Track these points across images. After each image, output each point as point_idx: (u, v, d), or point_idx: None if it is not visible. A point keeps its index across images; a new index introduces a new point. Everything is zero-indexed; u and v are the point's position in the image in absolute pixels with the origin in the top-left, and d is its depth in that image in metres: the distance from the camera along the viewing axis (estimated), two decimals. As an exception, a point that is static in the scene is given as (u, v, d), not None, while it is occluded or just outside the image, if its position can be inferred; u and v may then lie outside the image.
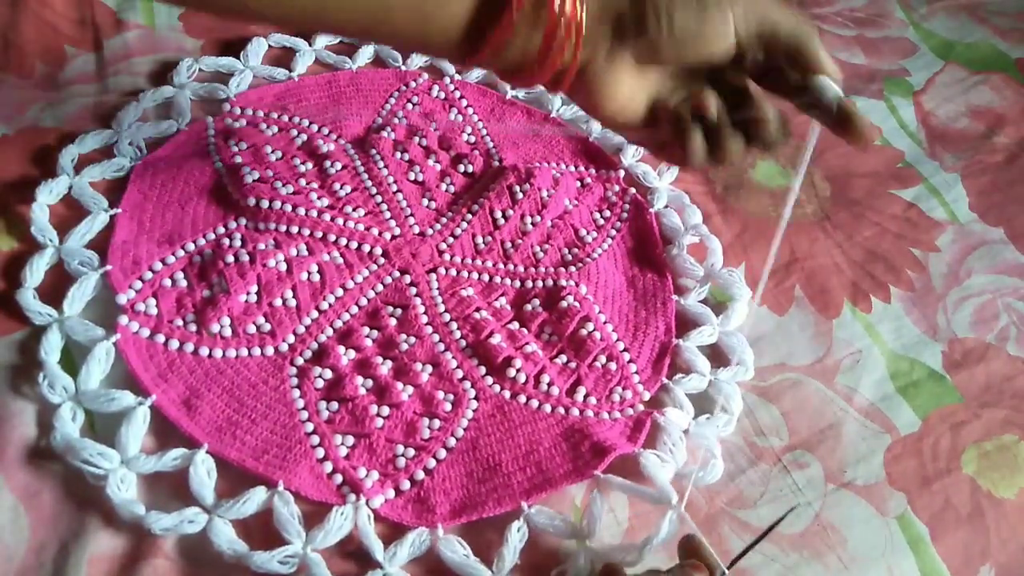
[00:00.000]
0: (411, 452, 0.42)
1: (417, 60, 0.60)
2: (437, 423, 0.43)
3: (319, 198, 0.50)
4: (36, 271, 0.45)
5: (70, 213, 0.48)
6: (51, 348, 0.42)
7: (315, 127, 0.54)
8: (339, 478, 0.40)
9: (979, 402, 0.49)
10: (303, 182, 0.50)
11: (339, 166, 0.52)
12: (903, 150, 0.60)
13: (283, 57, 0.59)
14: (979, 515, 0.44)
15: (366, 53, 0.60)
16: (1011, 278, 0.54)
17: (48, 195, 0.48)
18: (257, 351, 0.44)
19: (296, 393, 0.43)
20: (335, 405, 0.43)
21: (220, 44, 0.59)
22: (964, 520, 0.44)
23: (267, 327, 0.45)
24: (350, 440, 0.42)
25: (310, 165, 0.52)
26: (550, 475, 0.41)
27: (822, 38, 0.69)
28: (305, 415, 0.42)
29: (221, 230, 0.48)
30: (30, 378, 0.42)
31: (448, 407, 0.43)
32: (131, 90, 0.55)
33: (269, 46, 0.59)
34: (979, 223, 0.57)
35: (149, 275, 0.46)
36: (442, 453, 0.42)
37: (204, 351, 0.44)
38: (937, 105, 0.63)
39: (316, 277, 0.47)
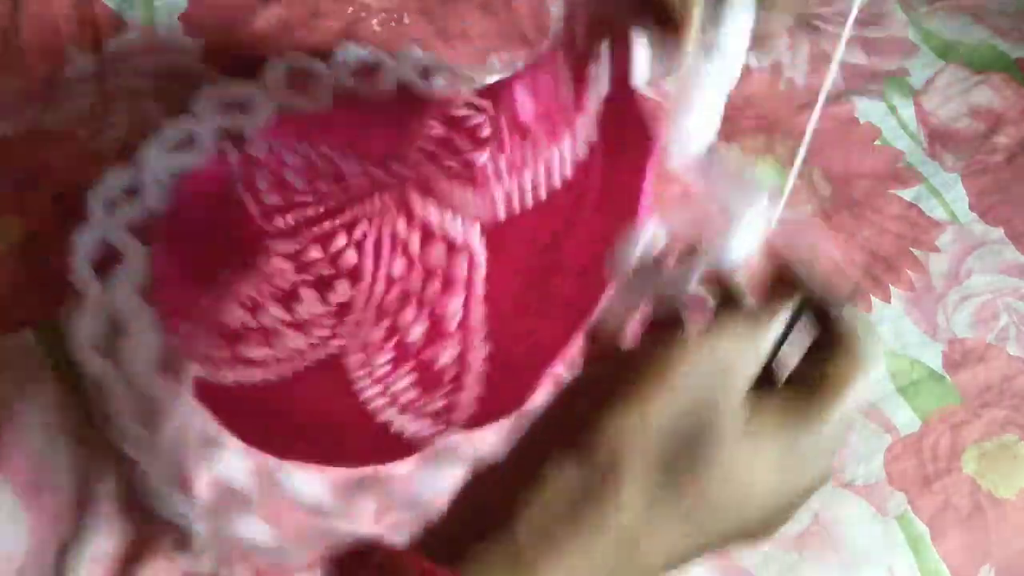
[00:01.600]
0: None
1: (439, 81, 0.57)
2: None
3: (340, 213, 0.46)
4: (87, 326, 0.43)
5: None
6: (122, 407, 0.40)
7: (341, 156, 0.50)
8: None
9: (979, 402, 0.49)
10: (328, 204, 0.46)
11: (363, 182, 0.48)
12: (903, 150, 0.60)
13: (302, 82, 0.57)
14: (979, 515, 0.44)
15: (390, 77, 0.57)
16: (1011, 278, 0.54)
17: (86, 245, 0.45)
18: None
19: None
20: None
21: (231, 61, 0.58)
22: (964, 520, 0.44)
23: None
24: None
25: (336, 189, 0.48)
26: None
27: (822, 39, 0.69)
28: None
29: (259, 261, 0.45)
30: (31, 378, 0.42)
31: None
32: (134, 90, 0.55)
33: (288, 68, 0.56)
34: (979, 223, 0.57)
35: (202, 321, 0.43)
36: None
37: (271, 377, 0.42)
38: (937, 105, 0.63)
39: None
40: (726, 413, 0.25)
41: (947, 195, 0.58)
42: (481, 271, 0.43)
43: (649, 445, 0.24)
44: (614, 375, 0.26)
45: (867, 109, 0.62)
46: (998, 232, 0.56)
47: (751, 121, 0.60)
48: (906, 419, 0.47)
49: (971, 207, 0.58)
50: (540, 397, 0.43)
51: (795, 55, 0.65)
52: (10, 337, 0.44)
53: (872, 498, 0.44)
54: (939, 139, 0.61)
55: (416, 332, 0.43)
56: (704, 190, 0.35)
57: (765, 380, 0.27)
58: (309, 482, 0.41)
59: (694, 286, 0.31)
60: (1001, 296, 0.53)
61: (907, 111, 0.62)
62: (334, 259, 0.43)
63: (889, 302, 0.52)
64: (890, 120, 0.62)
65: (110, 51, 0.57)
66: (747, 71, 0.63)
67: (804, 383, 0.27)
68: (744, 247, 0.32)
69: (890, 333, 0.51)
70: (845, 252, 0.54)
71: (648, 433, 0.24)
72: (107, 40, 0.57)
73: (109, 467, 0.41)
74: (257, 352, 0.42)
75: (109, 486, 0.40)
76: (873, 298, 0.52)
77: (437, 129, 0.45)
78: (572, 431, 0.25)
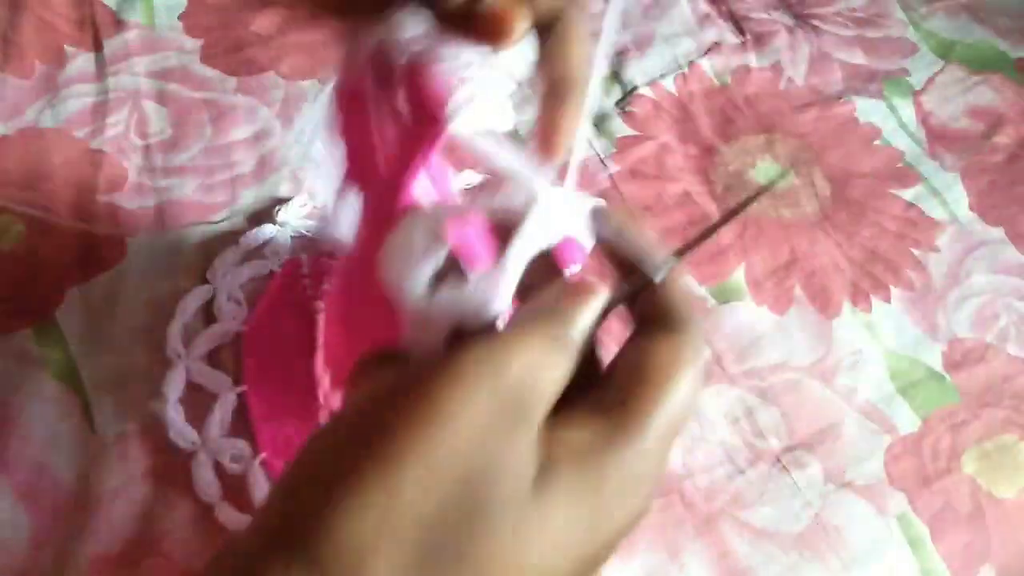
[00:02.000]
0: None
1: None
2: None
3: None
4: (201, 474, 0.41)
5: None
6: None
7: None
8: None
9: (979, 402, 0.49)
10: None
11: None
12: (903, 150, 0.60)
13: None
14: (979, 515, 0.44)
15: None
16: (1011, 278, 0.54)
17: (174, 390, 0.43)
18: None
19: None
20: None
21: (231, 61, 0.59)
22: (964, 520, 0.44)
23: None
24: None
25: None
26: None
27: (822, 39, 0.69)
28: None
29: None
30: (32, 377, 0.42)
31: None
32: (133, 90, 0.55)
33: None
34: (979, 223, 0.57)
35: None
36: None
37: None
38: (937, 105, 0.63)
39: None
40: (509, 470, 0.19)
41: (947, 195, 0.58)
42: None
43: (401, 539, 0.18)
44: (355, 433, 0.19)
45: (867, 109, 0.62)
46: (998, 232, 0.56)
47: (750, 121, 0.60)
48: (906, 419, 0.47)
49: (971, 207, 0.58)
50: None
51: (795, 55, 0.65)
52: (9, 337, 0.44)
53: (872, 498, 0.44)
54: (939, 139, 0.61)
55: None
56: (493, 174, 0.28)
57: (581, 376, 0.22)
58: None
59: (500, 304, 0.24)
60: (1001, 296, 0.53)
61: (907, 111, 0.62)
62: None
63: (889, 302, 0.52)
64: (890, 120, 0.62)
65: (110, 51, 0.57)
66: (747, 71, 0.63)
67: (615, 387, 0.22)
68: (538, 244, 0.25)
69: (890, 333, 0.51)
70: (845, 252, 0.54)
71: (399, 524, 0.18)
72: (107, 40, 0.57)
73: (109, 467, 0.41)
74: None
75: (109, 486, 0.40)
76: (873, 298, 0.52)
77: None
78: (293, 532, 0.18)
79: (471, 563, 0.18)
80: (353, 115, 0.33)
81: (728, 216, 0.26)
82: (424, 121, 0.30)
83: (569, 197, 0.27)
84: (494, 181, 0.27)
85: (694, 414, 0.21)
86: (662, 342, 0.22)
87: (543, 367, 0.21)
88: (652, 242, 0.25)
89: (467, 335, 0.23)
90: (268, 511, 0.20)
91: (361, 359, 0.23)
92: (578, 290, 0.23)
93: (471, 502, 0.18)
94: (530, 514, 0.19)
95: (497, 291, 0.24)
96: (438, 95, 0.29)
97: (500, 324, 0.24)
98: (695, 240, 0.26)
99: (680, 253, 0.25)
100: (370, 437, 0.19)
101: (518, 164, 0.28)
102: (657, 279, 0.24)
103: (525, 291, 0.24)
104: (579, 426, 0.21)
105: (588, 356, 0.23)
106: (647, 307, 0.24)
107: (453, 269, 0.25)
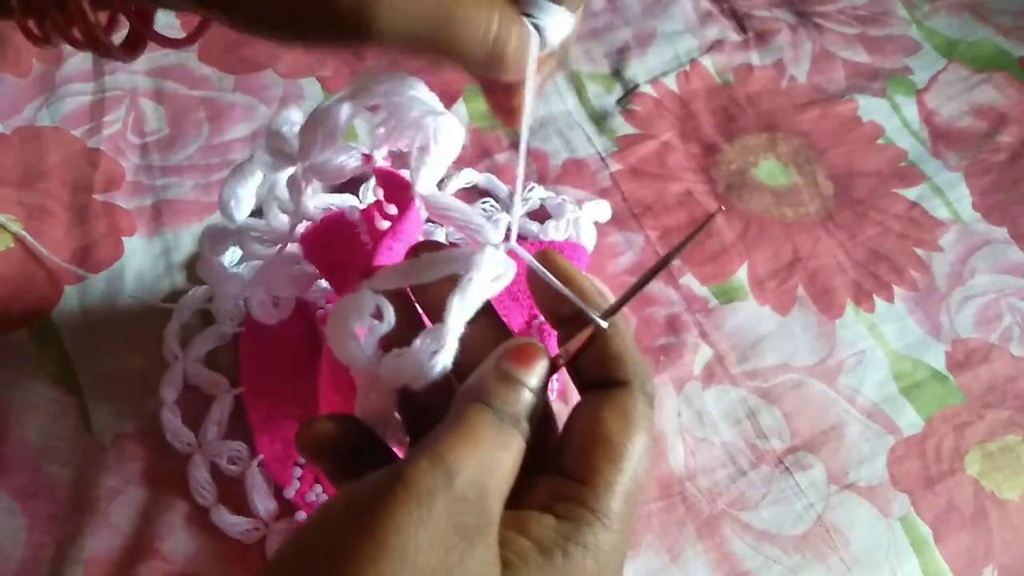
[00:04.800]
0: None
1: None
2: None
3: None
4: (196, 476, 0.41)
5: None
6: None
7: None
8: None
9: (982, 403, 0.48)
10: None
11: None
12: (906, 149, 0.60)
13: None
14: (982, 516, 0.44)
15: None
16: (1014, 278, 0.54)
17: (171, 391, 0.43)
18: None
19: None
20: None
21: (231, 61, 0.59)
22: (967, 521, 0.44)
23: None
24: None
25: None
26: None
27: (824, 37, 0.69)
28: None
29: None
30: (28, 378, 0.42)
31: None
32: (132, 89, 0.55)
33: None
34: (982, 222, 0.56)
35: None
36: None
37: None
38: (940, 104, 0.63)
39: None
40: None
41: (950, 194, 0.58)
42: None
43: None
44: (314, 546, 0.20)
45: (870, 107, 0.62)
46: (1001, 232, 0.56)
47: (752, 119, 0.60)
48: (909, 420, 0.47)
49: (974, 206, 0.57)
50: None
51: (797, 53, 0.65)
52: (6, 337, 0.44)
53: (875, 499, 0.44)
54: (942, 138, 0.61)
55: None
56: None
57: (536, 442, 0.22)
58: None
59: (444, 360, 0.25)
60: (1004, 296, 0.53)
61: (910, 110, 0.62)
62: None
63: (892, 302, 0.52)
64: (893, 119, 0.61)
65: (108, 49, 0.57)
66: (749, 69, 0.63)
67: (572, 462, 0.22)
68: (479, 299, 0.26)
69: (893, 333, 0.51)
70: (848, 251, 0.54)
71: None
72: (106, 39, 0.57)
73: (106, 469, 0.40)
74: None
75: (105, 488, 0.40)
76: (876, 298, 0.52)
77: None
78: None
79: None
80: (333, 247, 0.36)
81: (664, 262, 0.27)
82: (395, 194, 0.33)
83: (505, 254, 0.27)
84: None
85: (648, 474, 0.22)
86: (610, 407, 0.22)
87: (493, 462, 0.21)
88: (594, 290, 0.25)
89: (418, 406, 0.24)
90: None
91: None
92: (519, 359, 0.23)
93: None
94: None
95: (441, 349, 0.24)
96: (399, 177, 0.32)
97: (444, 379, 0.25)
98: (633, 289, 0.26)
99: (621, 303, 0.25)
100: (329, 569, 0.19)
101: (473, 218, 0.29)
102: (605, 326, 0.24)
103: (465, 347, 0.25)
104: (538, 520, 0.21)
105: (541, 417, 0.23)
106: (592, 361, 0.24)
107: (411, 327, 0.26)
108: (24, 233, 0.47)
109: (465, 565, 0.19)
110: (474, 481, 0.20)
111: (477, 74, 0.26)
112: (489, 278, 0.26)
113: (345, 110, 0.31)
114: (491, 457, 0.21)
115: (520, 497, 0.22)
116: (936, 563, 0.43)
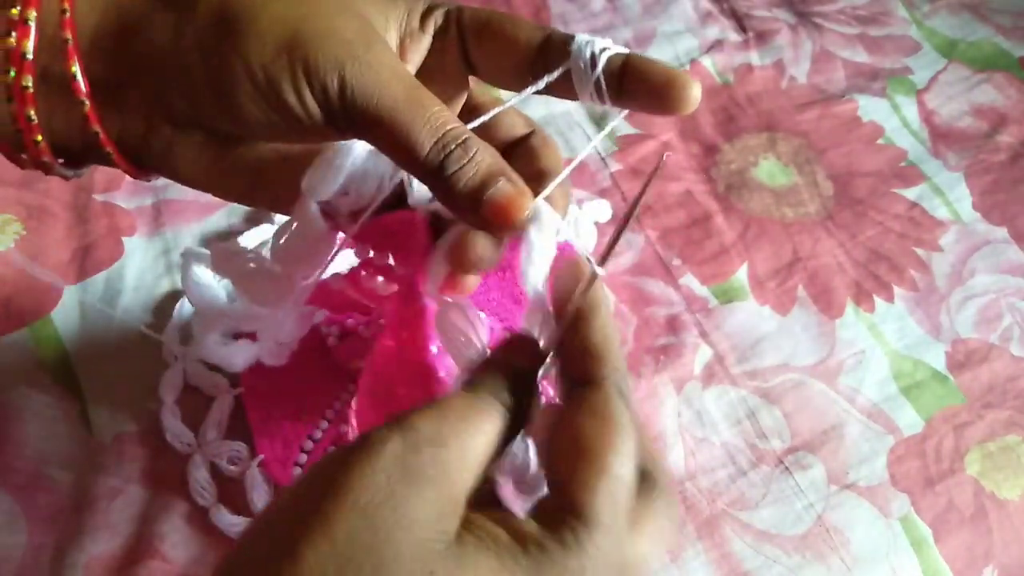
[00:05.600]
0: None
1: None
2: None
3: None
4: (196, 476, 0.41)
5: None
6: None
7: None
8: None
9: (982, 403, 0.48)
10: None
11: None
12: (906, 149, 0.60)
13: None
14: (982, 516, 0.44)
15: None
16: (1014, 278, 0.54)
17: (171, 391, 0.43)
18: None
19: None
20: None
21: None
22: (967, 521, 0.44)
23: None
24: None
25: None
26: None
27: (824, 37, 0.69)
28: None
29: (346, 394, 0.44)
30: (29, 378, 0.42)
31: None
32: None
33: None
34: (982, 223, 0.56)
35: (303, 457, 0.42)
36: None
37: None
38: (940, 104, 0.63)
39: None
40: (415, 530, 0.19)
41: (950, 194, 0.58)
42: None
43: None
44: (275, 524, 0.20)
45: (870, 107, 0.62)
46: (1001, 232, 0.56)
47: (752, 119, 0.60)
48: (909, 420, 0.47)
49: (974, 206, 0.57)
50: None
51: (797, 53, 0.65)
52: (6, 338, 0.44)
53: (875, 499, 0.44)
54: (942, 138, 0.61)
55: None
56: None
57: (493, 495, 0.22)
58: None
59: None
60: (1004, 296, 0.53)
61: (910, 110, 0.62)
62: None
63: (892, 302, 0.52)
64: (893, 119, 0.61)
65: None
66: (749, 69, 0.63)
67: (553, 472, 0.22)
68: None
69: (893, 333, 0.51)
70: (848, 251, 0.54)
71: None
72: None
73: (106, 469, 0.40)
74: None
75: (105, 488, 0.40)
76: (876, 298, 0.52)
77: None
78: None
79: None
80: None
81: (633, 205, 0.27)
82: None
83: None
84: None
85: (635, 468, 0.22)
86: (585, 410, 0.22)
87: (457, 425, 0.21)
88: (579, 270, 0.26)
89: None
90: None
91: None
92: (507, 348, 0.23)
93: (378, 565, 0.19)
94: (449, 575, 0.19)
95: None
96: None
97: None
98: (615, 236, 0.27)
99: (605, 257, 0.26)
100: (286, 528, 0.20)
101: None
102: (602, 272, 0.25)
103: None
104: (520, 521, 0.21)
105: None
106: (572, 357, 0.24)
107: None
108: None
109: (411, 506, 0.19)
110: (432, 438, 0.20)
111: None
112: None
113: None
114: (456, 421, 0.21)
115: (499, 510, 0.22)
116: (936, 563, 0.42)
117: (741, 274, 0.52)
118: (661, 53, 0.63)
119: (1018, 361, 0.50)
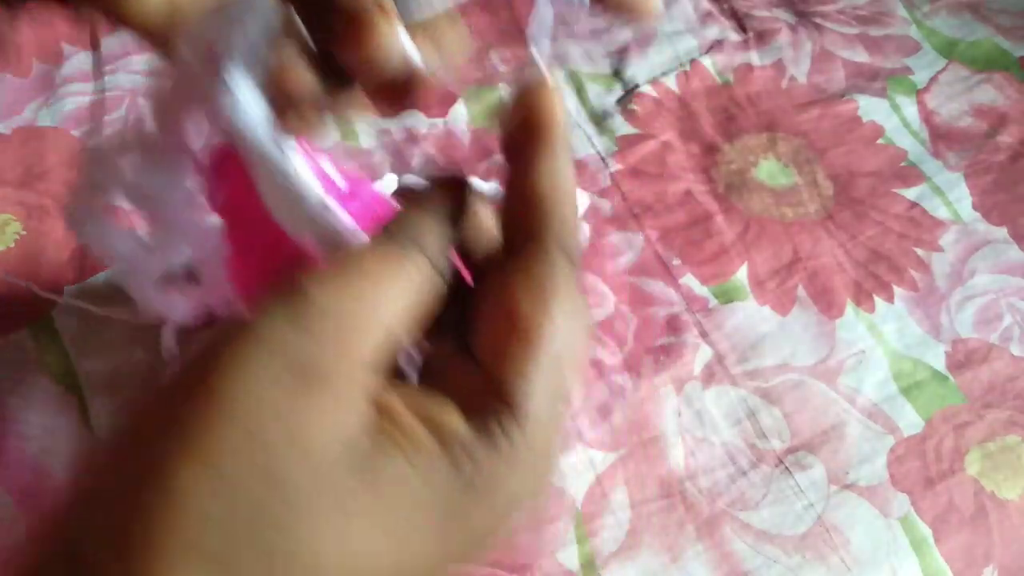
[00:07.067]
0: None
1: None
2: None
3: None
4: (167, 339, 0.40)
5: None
6: None
7: None
8: None
9: (982, 403, 0.48)
10: None
11: None
12: (906, 149, 0.60)
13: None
14: (983, 516, 0.44)
15: None
16: (1014, 278, 0.54)
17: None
18: None
19: None
20: None
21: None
22: (968, 521, 0.44)
23: None
24: None
25: None
26: None
27: (824, 37, 0.69)
28: None
29: None
30: (29, 378, 0.42)
31: None
32: (131, 89, 0.55)
33: None
34: (982, 223, 0.56)
35: None
36: None
37: None
38: (940, 104, 0.63)
39: None
40: (313, 445, 0.15)
41: (950, 194, 0.58)
42: None
43: (197, 555, 0.14)
44: (133, 447, 0.16)
45: (870, 107, 0.62)
46: (1002, 232, 0.56)
47: (752, 119, 0.60)
48: (909, 420, 0.47)
49: (974, 206, 0.57)
50: None
51: (797, 53, 0.65)
52: (6, 338, 0.44)
53: (875, 500, 0.44)
54: (942, 138, 0.61)
55: None
56: None
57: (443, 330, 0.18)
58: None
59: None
60: (1005, 296, 0.53)
61: (910, 110, 0.62)
62: None
63: (892, 302, 0.52)
64: (893, 119, 0.61)
65: (107, 49, 0.57)
66: (749, 69, 0.63)
67: (479, 348, 0.18)
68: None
69: (893, 333, 0.51)
70: (848, 251, 0.54)
71: (190, 540, 0.14)
72: (104, 38, 0.57)
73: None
74: None
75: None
76: (876, 298, 0.52)
77: None
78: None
79: (283, 557, 0.15)
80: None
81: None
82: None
83: None
84: None
85: (583, 345, 0.19)
86: (519, 275, 0.18)
87: (367, 289, 0.17)
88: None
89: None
90: (58, 531, 0.16)
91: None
92: (434, 189, 0.19)
93: (269, 489, 0.15)
94: (354, 494, 0.15)
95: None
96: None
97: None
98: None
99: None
100: (146, 450, 0.15)
101: None
102: (551, 82, 0.20)
103: None
104: (444, 409, 0.17)
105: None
106: (511, 205, 0.20)
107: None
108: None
109: (306, 420, 0.15)
110: (328, 309, 0.16)
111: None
112: None
113: None
114: (360, 279, 0.17)
115: (433, 380, 0.19)
116: (936, 563, 0.42)
117: (741, 274, 0.52)
118: (661, 53, 0.63)
119: (1018, 361, 0.50)
